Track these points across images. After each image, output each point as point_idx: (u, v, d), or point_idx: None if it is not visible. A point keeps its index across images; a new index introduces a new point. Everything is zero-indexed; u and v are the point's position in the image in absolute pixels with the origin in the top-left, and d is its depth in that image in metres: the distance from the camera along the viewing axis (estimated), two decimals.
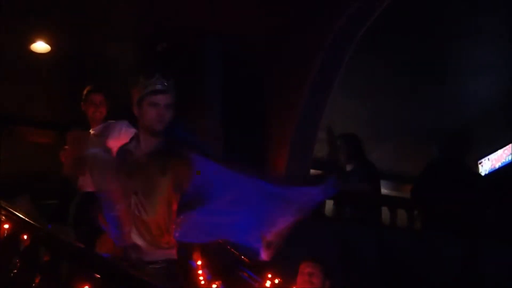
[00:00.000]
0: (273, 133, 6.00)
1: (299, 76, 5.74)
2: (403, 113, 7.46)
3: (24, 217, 3.23)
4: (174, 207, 2.89)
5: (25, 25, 5.97)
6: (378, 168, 6.20)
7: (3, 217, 3.32)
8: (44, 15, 5.82)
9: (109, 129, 4.59)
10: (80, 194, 4.53)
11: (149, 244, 2.85)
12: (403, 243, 5.53)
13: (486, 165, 8.08)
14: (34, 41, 6.19)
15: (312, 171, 6.24)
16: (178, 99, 3.00)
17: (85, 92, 4.66)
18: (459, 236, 5.64)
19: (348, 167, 6.02)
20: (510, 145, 7.78)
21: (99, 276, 2.77)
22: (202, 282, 3.74)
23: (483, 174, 7.93)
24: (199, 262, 3.85)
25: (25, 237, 3.18)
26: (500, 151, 7.91)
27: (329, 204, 5.86)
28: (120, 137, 4.53)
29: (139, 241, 2.85)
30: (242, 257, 4.02)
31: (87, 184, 4.49)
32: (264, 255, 2.94)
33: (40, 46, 6.25)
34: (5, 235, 3.29)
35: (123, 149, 3.13)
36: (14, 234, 3.26)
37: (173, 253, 2.90)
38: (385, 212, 5.80)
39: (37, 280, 2.97)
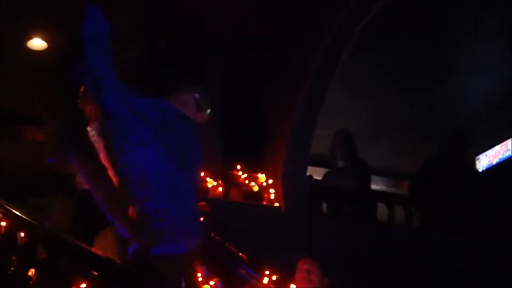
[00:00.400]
0: (271, 130, 6.00)
1: (298, 74, 5.74)
2: (402, 112, 7.47)
3: (21, 215, 3.23)
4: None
5: (22, 22, 5.95)
6: (377, 165, 6.22)
7: (1, 215, 3.32)
8: (41, 11, 5.81)
9: None
10: (77, 192, 4.53)
11: None
12: (401, 241, 5.54)
13: (484, 161, 8.09)
14: (30, 38, 6.18)
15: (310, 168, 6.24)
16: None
17: (82, 89, 4.64)
18: (457, 233, 5.65)
19: (340, 164, 6.04)
20: (507, 141, 7.79)
21: (96, 273, 2.77)
22: (200, 279, 3.73)
23: (480, 170, 7.95)
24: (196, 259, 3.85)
25: (22, 234, 3.18)
26: (497, 147, 7.92)
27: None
28: None
29: None
30: (240, 254, 4.02)
31: (84, 181, 4.50)
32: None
33: (37, 43, 6.23)
34: (2, 232, 3.29)
35: None
36: (11, 231, 3.26)
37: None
38: (383, 209, 5.81)
39: (34, 278, 2.97)
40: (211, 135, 5.72)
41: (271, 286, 3.90)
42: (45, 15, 5.90)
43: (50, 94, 6.82)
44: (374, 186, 6.65)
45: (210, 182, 5.42)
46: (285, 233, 5.24)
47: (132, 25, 6.03)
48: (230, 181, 5.57)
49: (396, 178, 8.46)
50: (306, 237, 5.25)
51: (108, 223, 4.56)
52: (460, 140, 6.22)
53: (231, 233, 4.44)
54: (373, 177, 6.37)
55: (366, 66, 6.63)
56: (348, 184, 5.82)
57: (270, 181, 5.61)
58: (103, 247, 4.24)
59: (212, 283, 3.81)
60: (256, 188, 5.59)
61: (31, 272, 3.05)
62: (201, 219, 3.03)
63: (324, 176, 6.30)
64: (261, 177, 5.64)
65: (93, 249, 3.33)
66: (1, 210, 3.32)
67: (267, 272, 3.96)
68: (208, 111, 3.04)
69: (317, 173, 6.44)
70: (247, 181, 5.59)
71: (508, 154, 7.75)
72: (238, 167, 5.62)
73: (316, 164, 7.03)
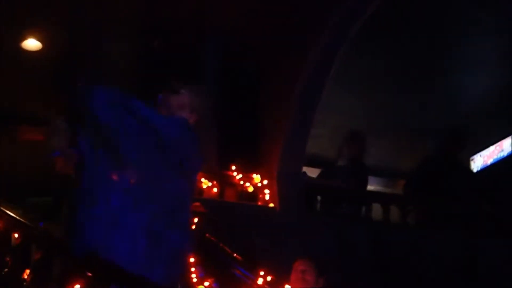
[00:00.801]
0: (267, 131, 6.00)
1: (293, 73, 5.75)
2: (397, 110, 7.47)
3: (15, 216, 3.22)
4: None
5: (17, 23, 5.94)
6: (374, 164, 6.22)
7: None
8: (35, 12, 5.79)
9: None
10: (72, 192, 4.52)
11: None
12: (397, 240, 5.54)
13: (478, 161, 8.11)
14: (25, 39, 6.16)
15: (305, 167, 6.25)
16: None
17: None
18: (454, 232, 5.66)
19: (340, 162, 6.03)
20: (502, 141, 7.81)
21: (90, 274, 2.76)
22: (195, 280, 3.73)
23: (475, 170, 7.97)
24: (191, 260, 3.85)
25: (16, 235, 3.17)
26: (492, 148, 7.94)
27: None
28: None
29: None
30: (235, 254, 4.02)
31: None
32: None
33: (32, 44, 6.22)
34: None
35: None
36: (5, 232, 3.25)
37: None
38: (378, 208, 5.82)
39: (28, 279, 2.96)
40: (206, 136, 5.72)
41: (266, 286, 3.90)
42: (40, 15, 5.89)
43: (45, 94, 6.81)
44: (369, 186, 6.65)
45: (205, 183, 5.42)
46: (280, 234, 5.24)
47: (131, 24, 6.02)
48: (225, 182, 5.57)
49: (392, 177, 8.47)
50: (301, 237, 5.25)
51: None
52: (456, 138, 6.23)
53: (226, 233, 4.44)
54: (369, 177, 6.37)
55: (362, 65, 6.63)
56: (344, 182, 5.82)
57: (265, 182, 5.61)
58: None
59: (207, 283, 3.81)
60: (251, 189, 5.59)
61: (26, 272, 3.05)
62: (195, 220, 3.04)
63: (320, 174, 6.30)
64: (256, 177, 5.64)
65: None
66: None
67: (262, 273, 3.96)
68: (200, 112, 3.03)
69: (312, 173, 6.44)
70: (242, 182, 5.59)
71: (502, 154, 7.77)
72: (233, 167, 5.62)
73: (312, 164, 7.03)
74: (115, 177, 2.52)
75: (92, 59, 6.29)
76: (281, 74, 5.97)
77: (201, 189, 5.37)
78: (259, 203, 5.54)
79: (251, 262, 4.00)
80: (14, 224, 3.21)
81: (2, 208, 3.30)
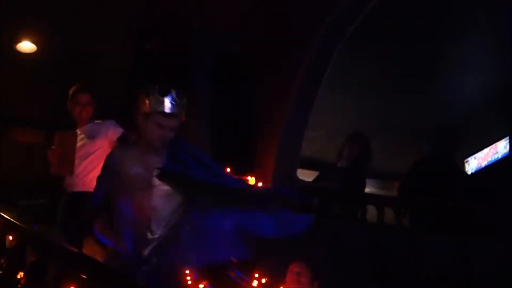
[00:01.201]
0: (261, 133, 6.00)
1: (288, 75, 5.75)
2: (392, 112, 7.49)
3: (9, 218, 3.22)
4: None
5: (11, 25, 5.93)
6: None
7: None
8: (30, 14, 5.79)
9: (96, 129, 4.57)
10: (67, 194, 4.51)
11: None
12: (392, 241, 5.55)
13: (473, 163, 8.13)
14: (20, 41, 6.16)
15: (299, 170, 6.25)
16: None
17: (71, 92, 4.63)
18: (448, 234, 5.67)
19: (339, 164, 6.01)
20: (496, 143, 7.83)
21: (85, 277, 2.76)
22: (189, 282, 3.73)
23: (469, 172, 7.98)
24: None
25: (11, 238, 3.17)
26: (486, 150, 7.96)
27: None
28: (107, 137, 4.53)
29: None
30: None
31: (74, 184, 4.49)
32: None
33: (26, 46, 6.21)
34: None
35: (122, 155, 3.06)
36: None
37: None
38: (373, 210, 5.82)
39: (23, 281, 2.96)
40: (200, 138, 5.72)
41: None
42: (35, 18, 5.88)
43: (40, 96, 6.81)
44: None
45: None
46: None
47: (126, 25, 6.03)
48: None
49: (387, 179, 8.48)
50: (296, 240, 5.24)
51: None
52: (450, 140, 6.23)
53: None
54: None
55: (356, 66, 6.64)
56: (341, 185, 5.80)
57: (260, 184, 5.60)
58: (92, 250, 4.23)
59: (201, 286, 3.80)
60: None
61: (20, 275, 3.04)
62: None
63: (318, 176, 6.29)
64: (251, 179, 5.63)
65: (82, 252, 3.32)
66: None
67: (256, 275, 3.95)
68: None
69: (308, 176, 6.44)
70: None
71: (497, 157, 7.79)
72: (228, 169, 5.61)
73: (309, 166, 7.04)
74: None
75: (85, 61, 6.29)
76: (276, 75, 5.97)
77: None
78: None
79: (246, 264, 4.00)
80: (8, 226, 3.21)
81: None
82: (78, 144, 4.49)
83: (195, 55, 6.24)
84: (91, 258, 2.94)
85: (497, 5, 5.99)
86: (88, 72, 6.20)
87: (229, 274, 3.92)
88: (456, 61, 6.69)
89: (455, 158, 6.48)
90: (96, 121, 4.63)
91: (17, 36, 6.12)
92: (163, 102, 2.85)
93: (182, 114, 2.94)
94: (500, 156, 7.77)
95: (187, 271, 3.12)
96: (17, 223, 3.20)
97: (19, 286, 2.97)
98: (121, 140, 4.50)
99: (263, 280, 3.91)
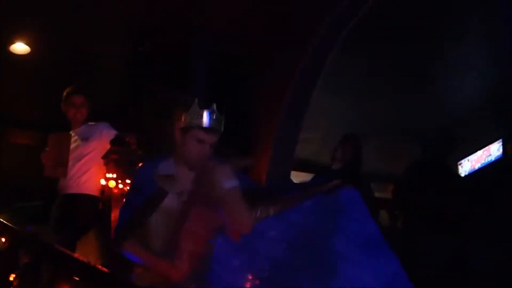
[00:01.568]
0: (256, 135, 6.00)
1: (283, 76, 5.75)
2: (387, 114, 7.49)
3: (1, 220, 3.21)
4: None
5: (5, 27, 5.92)
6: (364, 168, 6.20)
7: None
8: (24, 15, 5.77)
9: (90, 131, 4.57)
10: (61, 196, 4.50)
11: None
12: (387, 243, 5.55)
13: (466, 166, 8.15)
14: (13, 43, 6.14)
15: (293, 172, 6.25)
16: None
17: (65, 93, 4.62)
18: (442, 236, 5.67)
19: (334, 166, 6.01)
20: (490, 146, 7.85)
21: (78, 279, 2.75)
22: None
23: (463, 175, 8.00)
24: None
25: (3, 239, 3.16)
26: (479, 152, 7.98)
27: None
28: (101, 139, 4.52)
29: None
30: None
31: (67, 186, 4.48)
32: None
33: (20, 48, 6.20)
34: None
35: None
36: None
37: None
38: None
39: (15, 283, 2.95)
40: None
41: None
42: (28, 19, 5.87)
43: (34, 98, 6.80)
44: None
45: None
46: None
47: (123, 25, 6.01)
48: None
49: (382, 181, 8.48)
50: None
51: (90, 228, 4.55)
52: (444, 142, 6.24)
53: None
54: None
55: (351, 67, 6.64)
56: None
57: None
58: (85, 252, 4.22)
59: None
60: None
61: (12, 277, 3.03)
62: None
63: (314, 179, 6.28)
64: None
65: (76, 254, 3.31)
66: None
67: (249, 277, 3.95)
68: None
69: (303, 178, 6.44)
70: None
71: (490, 159, 7.81)
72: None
73: (304, 168, 7.04)
74: None
75: (79, 62, 6.28)
76: (272, 76, 5.97)
77: None
78: None
79: None
80: (1, 228, 3.20)
81: None
82: (72, 146, 4.48)
83: (193, 54, 6.23)
84: (84, 260, 2.94)
85: (493, 9, 6.00)
86: (87, 72, 6.19)
87: None
88: (451, 64, 6.70)
89: (449, 161, 6.50)
90: (90, 123, 4.62)
91: (14, 37, 6.11)
92: (202, 116, 2.76)
93: (221, 130, 2.87)
94: (493, 159, 7.79)
95: None
96: (10, 224, 3.19)
97: None
98: (115, 142, 4.50)
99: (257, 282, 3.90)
